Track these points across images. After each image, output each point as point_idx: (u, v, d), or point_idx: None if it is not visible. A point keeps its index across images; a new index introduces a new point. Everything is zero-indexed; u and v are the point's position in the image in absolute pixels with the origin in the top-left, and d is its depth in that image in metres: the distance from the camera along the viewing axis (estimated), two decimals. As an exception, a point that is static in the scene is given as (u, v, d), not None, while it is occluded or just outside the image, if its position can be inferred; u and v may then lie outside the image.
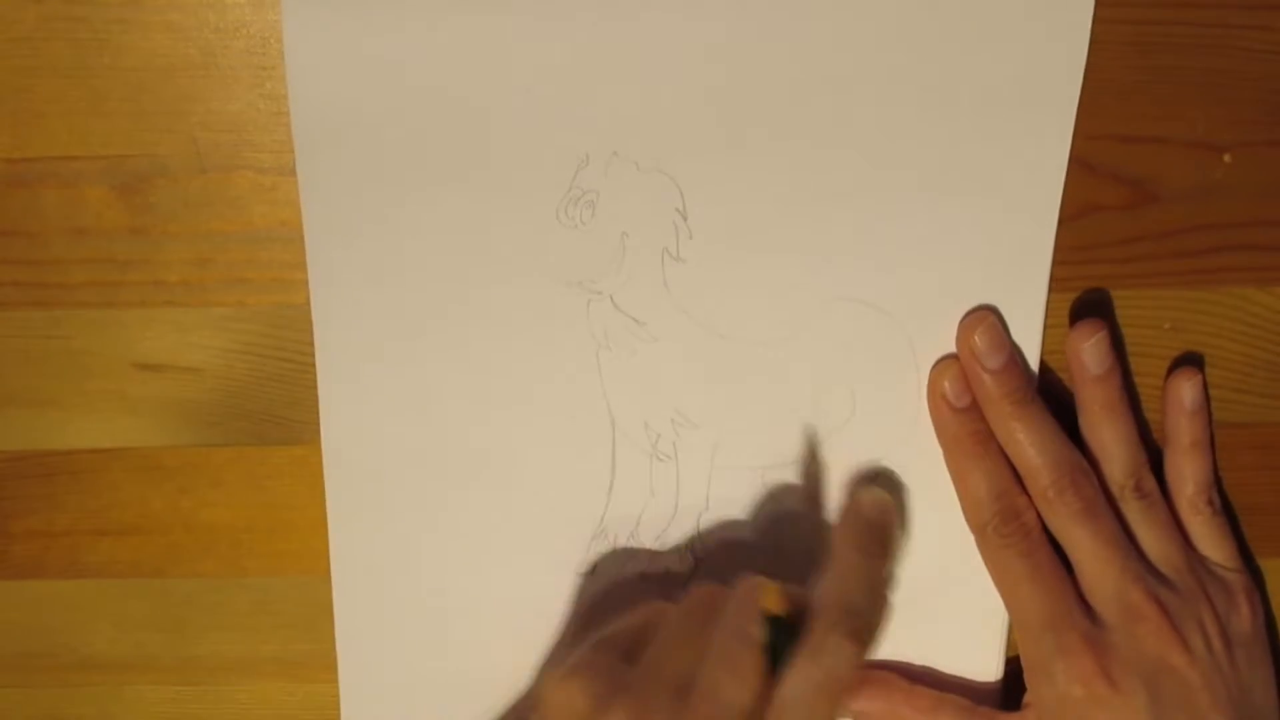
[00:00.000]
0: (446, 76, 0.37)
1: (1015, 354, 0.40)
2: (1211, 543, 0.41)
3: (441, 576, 0.43)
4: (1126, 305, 0.41)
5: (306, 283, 0.40)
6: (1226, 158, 0.39)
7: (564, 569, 0.43)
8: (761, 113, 0.38)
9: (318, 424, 0.42)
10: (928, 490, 0.42)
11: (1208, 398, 0.41)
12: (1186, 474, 0.41)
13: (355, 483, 0.42)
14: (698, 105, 0.38)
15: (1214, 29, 0.38)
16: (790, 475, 0.42)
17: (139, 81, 0.38)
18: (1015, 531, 0.39)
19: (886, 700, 0.42)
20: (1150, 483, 0.40)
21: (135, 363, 0.41)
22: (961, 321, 0.40)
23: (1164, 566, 0.39)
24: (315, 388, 0.41)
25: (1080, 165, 0.39)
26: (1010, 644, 0.44)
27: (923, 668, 0.44)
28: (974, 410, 0.40)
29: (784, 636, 0.34)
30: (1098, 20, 0.37)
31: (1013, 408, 0.39)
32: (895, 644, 0.44)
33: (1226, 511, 0.42)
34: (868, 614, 0.36)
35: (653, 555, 0.43)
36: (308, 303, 0.40)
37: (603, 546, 0.43)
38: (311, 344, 0.41)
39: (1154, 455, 0.41)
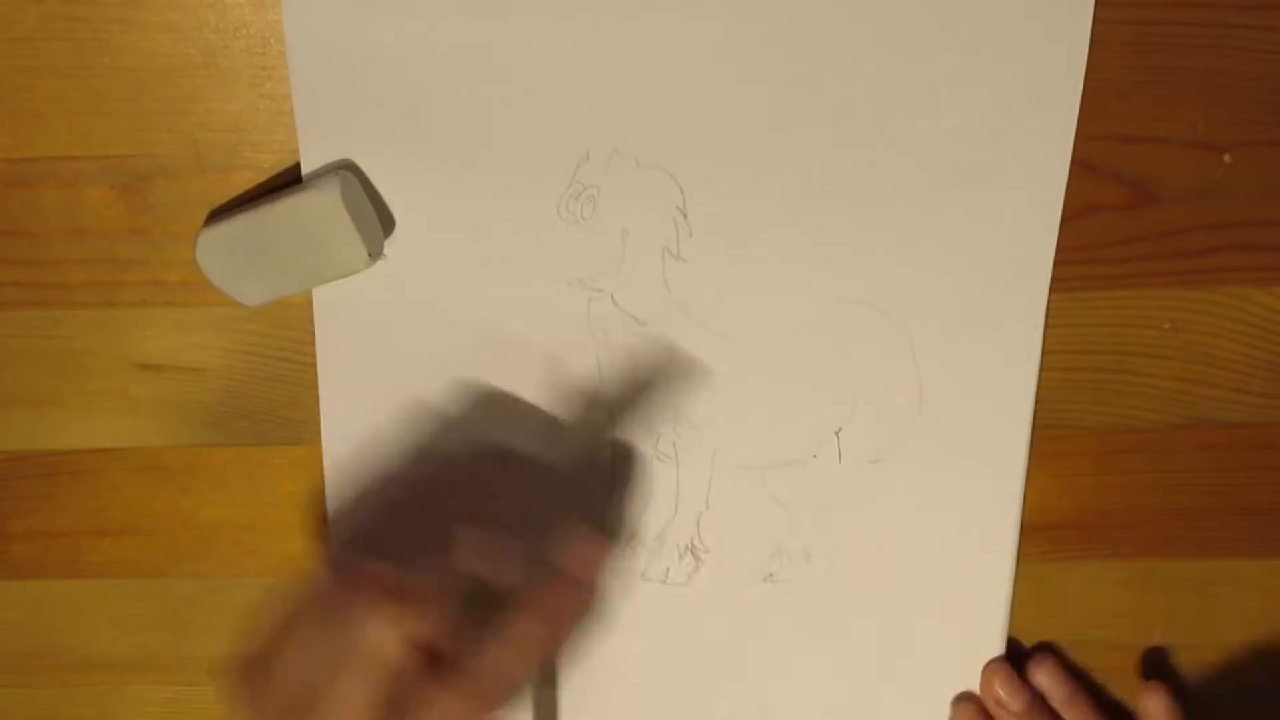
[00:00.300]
0: (447, 74, 0.37)
1: (1035, 696, 0.43)
2: None
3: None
4: (1126, 305, 0.41)
5: (307, 283, 0.40)
6: (1226, 158, 0.39)
7: (564, 569, 0.43)
8: (762, 112, 0.38)
9: (318, 424, 0.42)
10: (927, 490, 0.42)
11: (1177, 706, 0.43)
12: None
13: (355, 483, 0.42)
14: (699, 103, 0.38)
15: (1214, 29, 0.38)
16: (790, 475, 0.42)
17: (139, 81, 0.38)
18: None
19: None
20: None
21: (135, 363, 0.41)
22: (983, 670, 0.44)
23: None
24: (315, 388, 0.41)
25: (1080, 165, 0.39)
26: (1010, 636, 0.44)
27: (925, 661, 0.44)
28: None
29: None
30: (1098, 20, 0.37)
31: None
32: (899, 639, 0.44)
33: None
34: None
35: (653, 555, 0.43)
36: (308, 303, 0.40)
37: (603, 546, 0.43)
38: (311, 344, 0.41)
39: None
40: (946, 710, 0.45)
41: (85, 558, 0.44)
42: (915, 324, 0.40)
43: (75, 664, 0.46)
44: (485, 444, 0.42)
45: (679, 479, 0.42)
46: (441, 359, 0.41)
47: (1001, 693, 0.44)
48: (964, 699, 0.45)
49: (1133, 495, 0.43)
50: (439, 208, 0.39)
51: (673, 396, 0.41)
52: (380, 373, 0.41)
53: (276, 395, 0.42)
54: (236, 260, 0.38)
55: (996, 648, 0.44)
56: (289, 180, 0.39)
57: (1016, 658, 0.44)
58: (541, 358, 0.41)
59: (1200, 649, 0.45)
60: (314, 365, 0.41)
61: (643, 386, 0.41)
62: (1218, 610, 0.45)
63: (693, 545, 0.43)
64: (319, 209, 0.37)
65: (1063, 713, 0.44)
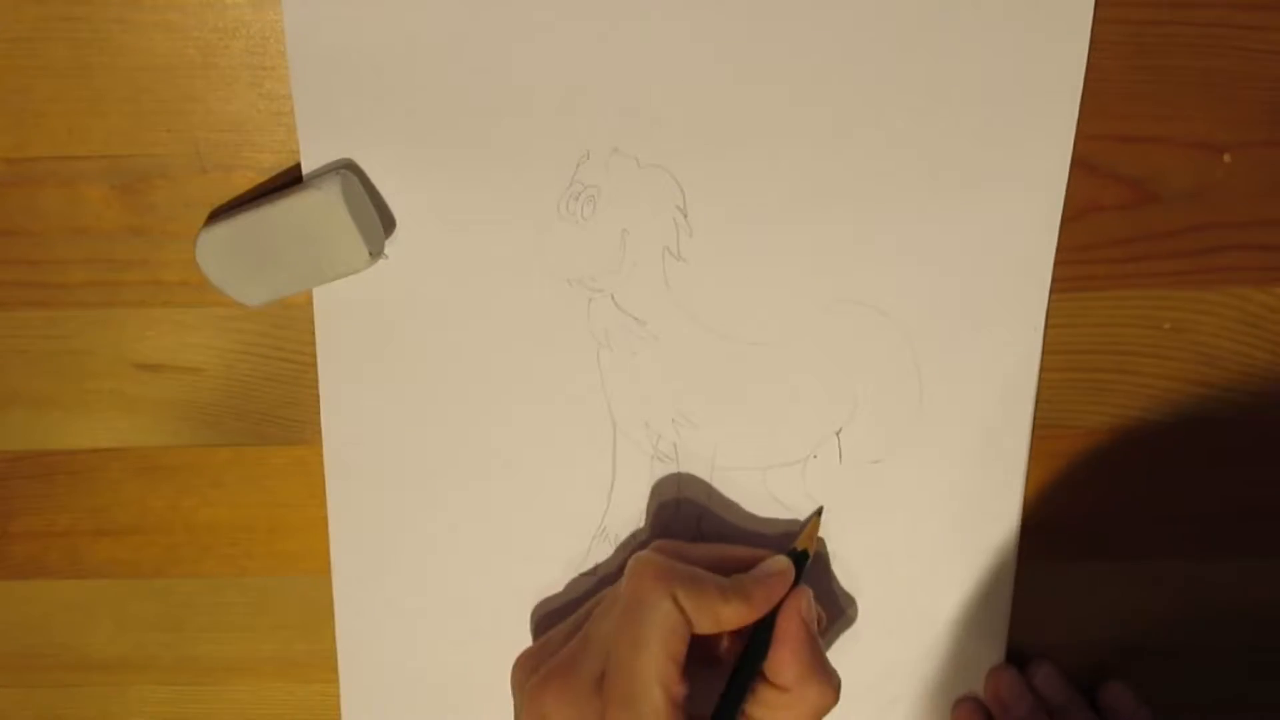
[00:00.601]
0: (448, 74, 0.37)
1: (1038, 701, 0.43)
2: None
3: (441, 576, 0.43)
4: (1126, 305, 0.41)
5: (307, 283, 0.40)
6: (1226, 158, 0.39)
7: (564, 569, 0.43)
8: (762, 112, 0.38)
9: (318, 424, 0.42)
10: (927, 490, 0.42)
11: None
12: None
13: (355, 483, 0.42)
14: (699, 103, 0.38)
15: (1214, 29, 0.38)
16: (790, 475, 0.42)
17: (139, 81, 0.38)
18: None
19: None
20: None
21: (135, 363, 0.41)
22: (988, 673, 0.44)
23: None
24: (315, 388, 0.41)
25: (1080, 165, 0.39)
26: (1011, 634, 0.44)
27: (926, 661, 0.44)
28: None
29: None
30: (1098, 20, 0.37)
31: None
32: (900, 639, 0.44)
33: None
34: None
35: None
36: (308, 303, 0.40)
37: (603, 546, 0.43)
38: (312, 344, 0.41)
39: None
40: (948, 711, 0.45)
41: (85, 558, 0.44)
42: (915, 324, 0.40)
43: (75, 664, 0.46)
44: (485, 444, 0.42)
45: (679, 479, 0.42)
46: (441, 359, 0.41)
47: (1005, 696, 0.43)
48: (965, 700, 0.45)
49: (1133, 495, 0.43)
50: (439, 207, 0.39)
51: (673, 396, 0.41)
52: (380, 373, 0.41)
53: (276, 395, 0.42)
54: (236, 260, 0.38)
55: (997, 648, 0.44)
56: (289, 180, 0.39)
57: (1016, 658, 0.45)
58: (541, 358, 0.41)
59: (1200, 649, 0.45)
60: (314, 365, 0.41)
61: (643, 386, 0.41)
62: (1217, 610, 0.45)
63: (693, 545, 0.43)
64: (320, 208, 0.37)
65: (1060, 718, 0.43)
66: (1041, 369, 0.41)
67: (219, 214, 0.39)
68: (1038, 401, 0.42)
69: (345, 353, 0.41)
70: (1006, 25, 0.37)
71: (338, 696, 0.45)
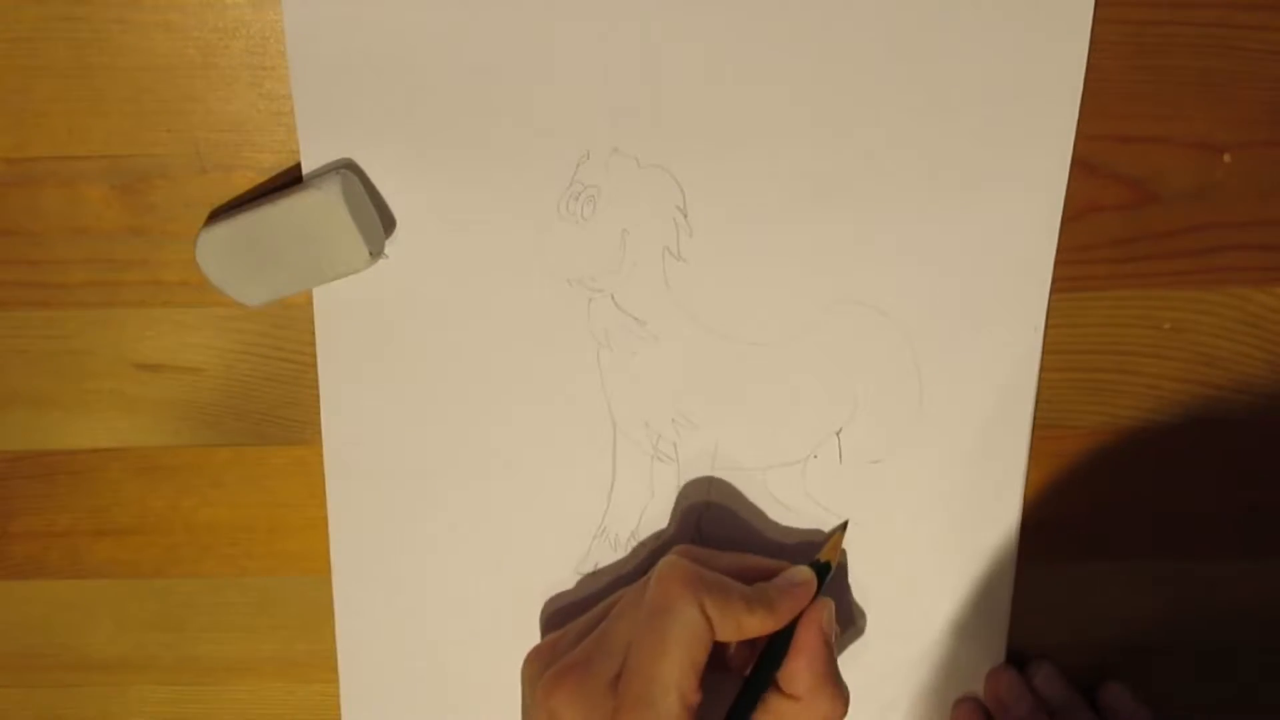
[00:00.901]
0: (448, 74, 0.37)
1: (1038, 702, 0.43)
2: None
3: (441, 576, 0.43)
4: (1127, 305, 0.41)
5: (307, 283, 0.40)
6: (1226, 158, 0.39)
7: (564, 569, 0.43)
8: (762, 112, 0.38)
9: (318, 424, 0.42)
10: (928, 490, 0.42)
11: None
12: None
13: (355, 483, 0.42)
14: (699, 103, 0.38)
15: (1214, 29, 0.38)
16: (790, 475, 0.42)
17: (139, 81, 0.38)
18: None
19: None
20: None
21: (135, 363, 0.41)
22: (988, 674, 0.44)
23: None
24: (315, 388, 0.41)
25: (1080, 165, 0.39)
26: (1011, 634, 0.44)
27: (926, 662, 0.44)
28: None
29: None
30: (1098, 20, 0.37)
31: None
32: (900, 640, 0.44)
33: None
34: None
35: (653, 555, 0.43)
36: (308, 303, 0.40)
37: (603, 546, 0.43)
38: (312, 344, 0.41)
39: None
40: (947, 712, 0.45)
41: (85, 558, 0.44)
42: (915, 324, 0.40)
43: (75, 664, 0.46)
44: (485, 444, 0.42)
45: (679, 479, 0.42)
46: (441, 359, 0.41)
47: (1005, 697, 0.43)
48: (965, 701, 0.45)
49: (1133, 495, 0.43)
50: (439, 207, 0.39)
51: (673, 396, 0.41)
52: (380, 373, 0.41)
53: (276, 395, 0.42)
54: (236, 260, 0.38)
55: (997, 648, 0.44)
56: (289, 180, 0.39)
57: (1016, 658, 0.45)
58: (541, 358, 0.41)
59: (1200, 649, 0.45)
60: (314, 365, 0.41)
61: (643, 386, 0.41)
62: (1217, 611, 0.45)
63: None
64: (320, 208, 0.37)
65: (1060, 719, 0.43)
66: (1041, 369, 0.41)
67: (219, 214, 0.39)
68: (1038, 401, 0.42)
69: (345, 353, 0.41)
70: (1006, 25, 0.37)
71: (338, 696, 0.45)
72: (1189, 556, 0.44)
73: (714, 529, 0.43)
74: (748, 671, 0.38)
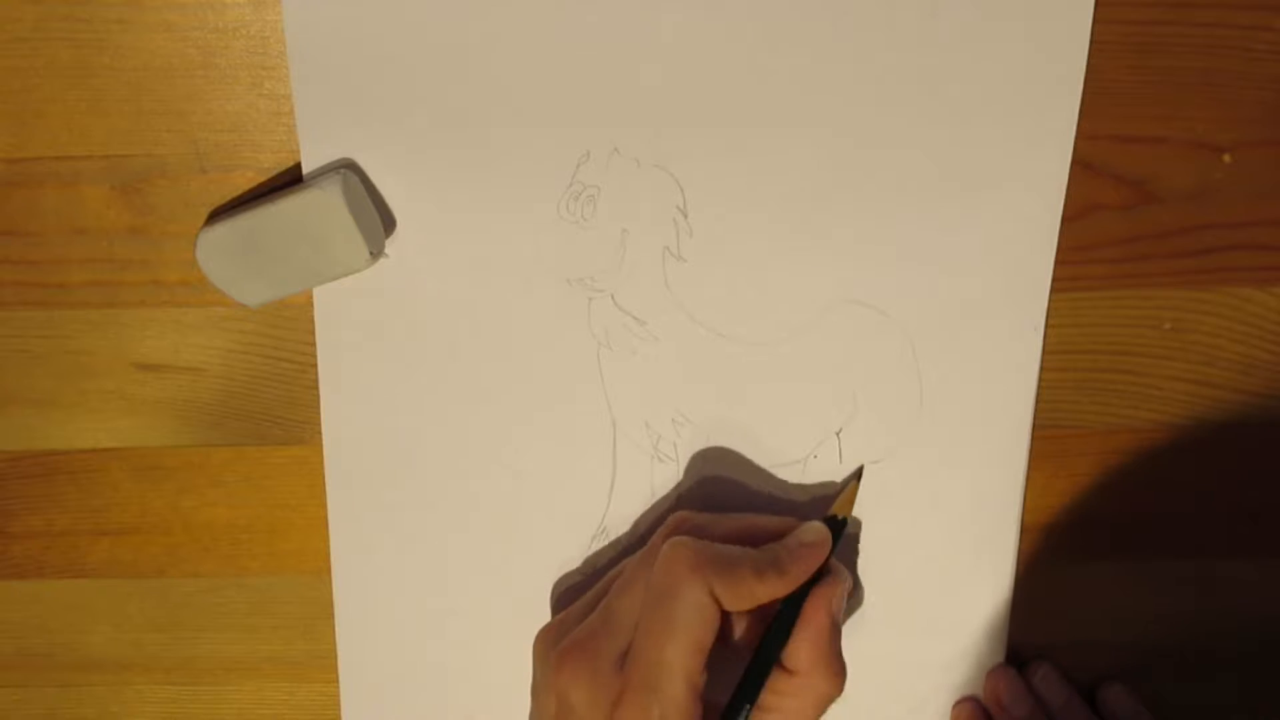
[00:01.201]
0: (448, 74, 0.37)
1: (1038, 703, 0.43)
2: None
3: (441, 576, 0.43)
4: (1127, 305, 0.41)
5: (307, 283, 0.40)
6: (1226, 158, 0.39)
7: (564, 569, 0.43)
8: (763, 112, 0.38)
9: (318, 424, 0.42)
10: (928, 490, 0.42)
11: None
12: None
13: (355, 482, 0.42)
14: (699, 103, 0.38)
15: (1214, 29, 0.38)
16: (790, 475, 0.42)
17: (139, 81, 0.38)
18: None
19: None
20: None
21: (135, 363, 0.41)
22: (988, 674, 0.44)
23: None
24: (315, 388, 0.41)
25: (1080, 165, 0.39)
26: (1011, 634, 0.44)
27: (925, 662, 0.44)
28: None
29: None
30: (1098, 21, 0.37)
31: None
32: (898, 640, 0.44)
33: None
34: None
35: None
36: (308, 303, 0.40)
37: (603, 546, 0.43)
38: (312, 344, 0.41)
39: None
40: (947, 712, 0.45)
41: (85, 558, 0.44)
42: (915, 324, 0.40)
43: (75, 664, 0.46)
44: (485, 444, 0.42)
45: (679, 479, 0.42)
46: (441, 359, 0.41)
47: (1005, 697, 0.43)
48: (964, 701, 0.45)
49: (1133, 495, 0.43)
50: (439, 207, 0.39)
51: (673, 396, 0.41)
52: (380, 373, 0.41)
53: (276, 395, 0.42)
54: (236, 260, 0.38)
55: (997, 648, 0.44)
56: (289, 180, 0.39)
57: (1016, 659, 0.45)
58: (541, 357, 0.41)
59: (1200, 650, 0.45)
60: (314, 365, 0.41)
61: (643, 386, 0.41)
62: (1218, 610, 0.45)
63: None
64: (320, 208, 0.37)
65: (1059, 719, 0.44)
66: (1041, 369, 0.41)
67: (219, 214, 0.39)
68: (1038, 401, 0.42)
69: (345, 353, 0.41)
70: (1007, 25, 0.37)
71: (338, 696, 0.45)
72: (1188, 557, 0.44)
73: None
74: (755, 645, 0.37)
